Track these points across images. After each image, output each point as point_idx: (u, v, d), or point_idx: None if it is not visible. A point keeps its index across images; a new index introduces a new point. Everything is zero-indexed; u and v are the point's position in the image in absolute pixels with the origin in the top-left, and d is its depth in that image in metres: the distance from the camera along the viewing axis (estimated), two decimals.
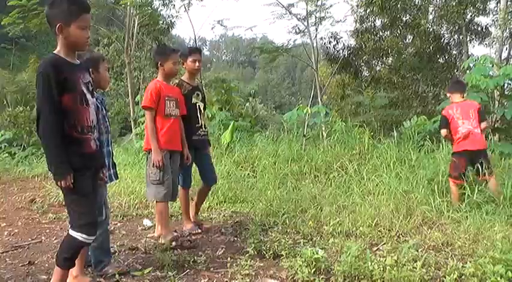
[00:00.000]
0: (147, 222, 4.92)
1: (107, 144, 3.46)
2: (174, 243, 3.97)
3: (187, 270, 3.35)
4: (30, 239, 4.45)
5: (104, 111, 3.43)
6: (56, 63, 2.66)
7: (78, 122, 2.72)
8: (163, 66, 4.25)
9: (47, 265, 3.63)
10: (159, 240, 4.07)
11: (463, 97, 5.35)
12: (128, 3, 11.17)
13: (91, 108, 2.83)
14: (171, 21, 18.78)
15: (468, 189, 4.71)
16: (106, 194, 3.43)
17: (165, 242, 3.97)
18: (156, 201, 4.17)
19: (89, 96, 2.81)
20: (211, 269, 3.39)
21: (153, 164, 4.02)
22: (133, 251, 3.91)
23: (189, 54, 4.55)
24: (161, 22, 17.65)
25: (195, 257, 3.55)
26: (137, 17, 12.88)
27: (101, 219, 3.09)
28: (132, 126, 12.25)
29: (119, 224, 4.95)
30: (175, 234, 4.15)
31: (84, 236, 2.70)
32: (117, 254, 3.82)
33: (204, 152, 4.65)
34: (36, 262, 3.72)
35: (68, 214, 2.85)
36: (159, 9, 17.12)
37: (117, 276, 3.20)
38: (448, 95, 5.55)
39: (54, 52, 2.76)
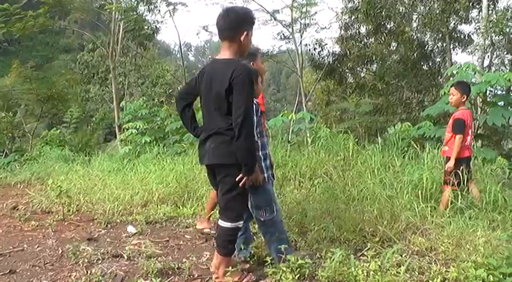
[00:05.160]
0: (131, 228, 4.88)
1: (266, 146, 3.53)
2: None
3: (172, 277, 3.33)
4: (11, 247, 4.37)
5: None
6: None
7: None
8: None
9: (29, 273, 3.58)
10: None
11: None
12: (113, 9, 11.13)
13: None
14: (156, 26, 18.72)
15: (452, 194, 4.75)
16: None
17: None
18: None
19: None
20: (196, 275, 3.38)
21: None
22: (117, 258, 3.87)
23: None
24: (146, 27, 17.59)
25: (179, 264, 3.53)
26: (122, 22, 12.84)
27: (273, 215, 3.35)
28: (117, 132, 12.13)
29: (102, 231, 4.89)
30: None
31: (235, 223, 3.09)
32: (100, 261, 3.78)
33: None
34: (17, 270, 3.66)
35: (225, 208, 3.13)
36: (144, 15, 17.07)
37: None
38: (463, 97, 4.97)
39: (234, 58, 2.94)
